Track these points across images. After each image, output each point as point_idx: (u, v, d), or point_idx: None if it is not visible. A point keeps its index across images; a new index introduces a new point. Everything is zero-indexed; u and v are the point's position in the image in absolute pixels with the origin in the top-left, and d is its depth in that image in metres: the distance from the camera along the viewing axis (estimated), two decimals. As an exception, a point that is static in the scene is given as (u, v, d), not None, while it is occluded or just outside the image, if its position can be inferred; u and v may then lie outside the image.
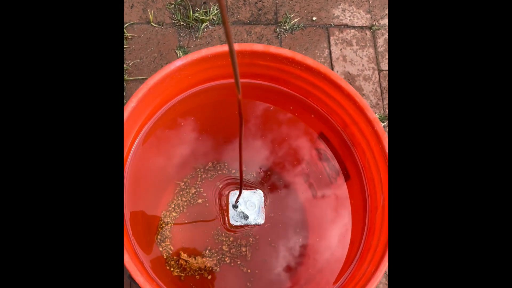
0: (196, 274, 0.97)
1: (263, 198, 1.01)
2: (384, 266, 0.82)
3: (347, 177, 1.03)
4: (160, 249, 0.99)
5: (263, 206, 1.01)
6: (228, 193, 1.02)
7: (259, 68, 0.96)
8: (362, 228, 0.96)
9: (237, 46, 0.89)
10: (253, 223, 0.99)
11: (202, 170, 1.06)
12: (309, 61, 0.89)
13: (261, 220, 0.99)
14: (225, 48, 0.88)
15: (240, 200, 0.97)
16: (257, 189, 1.02)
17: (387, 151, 0.88)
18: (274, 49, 0.89)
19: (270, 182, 1.06)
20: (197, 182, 1.05)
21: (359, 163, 1.01)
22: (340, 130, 1.02)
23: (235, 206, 0.98)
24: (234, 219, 0.99)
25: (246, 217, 0.98)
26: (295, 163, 1.07)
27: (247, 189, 1.02)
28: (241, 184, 0.87)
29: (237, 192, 0.95)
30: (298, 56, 0.89)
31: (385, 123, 1.33)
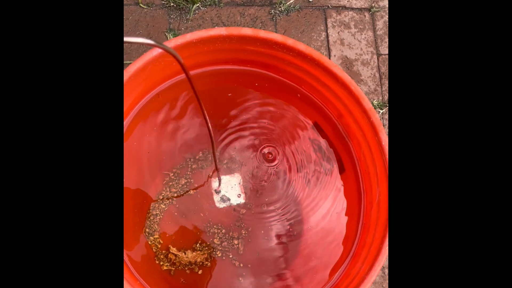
0: (187, 268, 0.94)
1: (241, 180, 1.05)
2: (379, 266, 0.78)
3: (341, 170, 0.99)
4: (149, 242, 0.96)
5: (242, 187, 1.04)
6: (209, 179, 1.04)
7: (249, 53, 0.91)
8: (356, 223, 0.92)
9: (224, 30, 0.83)
10: (235, 204, 1.03)
11: (192, 160, 1.02)
12: (301, 46, 0.84)
13: (242, 200, 1.03)
14: (211, 32, 0.82)
15: (222, 185, 1.04)
16: (235, 173, 1.05)
17: (383, 144, 0.83)
18: (264, 33, 0.84)
19: (263, 173, 1.02)
20: (187, 173, 1.01)
21: (354, 155, 0.96)
22: (335, 120, 0.97)
23: (217, 192, 1.03)
24: (219, 203, 1.03)
25: (228, 199, 1.02)
26: (288, 153, 1.02)
27: (226, 175, 1.06)
28: (218, 174, 1.01)
29: (217, 179, 1.04)
30: (290, 41, 0.83)
31: (384, 110, 1.28)
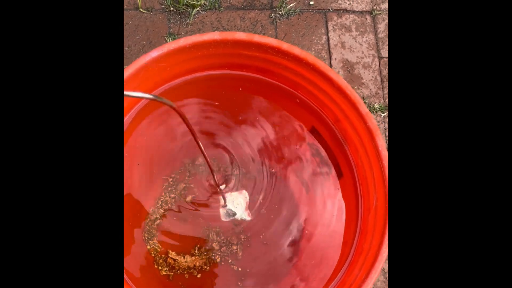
0: (185, 273, 0.94)
1: (248, 197, 1.03)
2: (376, 273, 0.77)
3: (339, 175, 0.97)
4: (148, 247, 0.96)
5: (248, 205, 1.03)
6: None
7: (244, 58, 0.90)
8: (354, 229, 0.90)
9: (218, 35, 0.82)
10: (239, 219, 1.01)
11: (191, 164, 1.02)
12: (296, 50, 0.83)
13: (246, 217, 1.02)
14: (204, 37, 0.82)
15: (228, 199, 1.03)
16: (243, 190, 1.03)
17: (380, 149, 0.82)
18: (258, 37, 0.83)
19: (261, 178, 1.02)
20: (186, 177, 1.01)
21: (351, 160, 0.95)
22: (332, 125, 0.96)
23: (223, 206, 1.03)
24: (225, 217, 1.02)
25: (234, 214, 1.01)
26: (286, 158, 1.01)
27: (234, 191, 1.04)
28: (222, 192, 1.02)
29: (225, 194, 1.04)
30: (285, 45, 0.83)
31: (386, 113, 1.27)
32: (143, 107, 0.95)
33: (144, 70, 0.81)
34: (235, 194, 1.05)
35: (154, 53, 0.80)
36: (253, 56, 0.89)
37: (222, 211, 1.03)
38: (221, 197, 1.05)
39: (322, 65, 0.83)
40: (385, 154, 0.81)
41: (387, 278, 1.17)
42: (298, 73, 0.90)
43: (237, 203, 1.04)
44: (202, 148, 0.75)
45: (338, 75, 0.84)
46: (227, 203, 1.04)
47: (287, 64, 0.88)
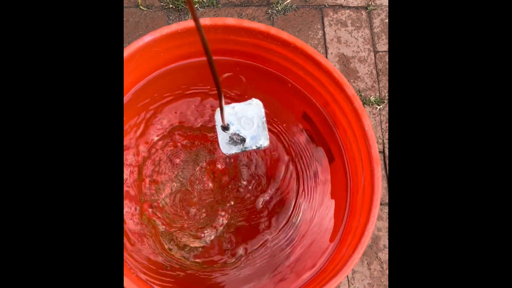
0: (181, 262, 0.96)
1: (263, 110, 0.71)
2: (362, 248, 0.79)
3: (331, 159, 0.99)
4: (147, 235, 0.97)
5: (265, 121, 0.71)
6: (214, 111, 0.75)
7: (234, 44, 0.92)
8: (343, 210, 0.92)
9: (208, 21, 0.85)
10: (254, 147, 0.71)
11: (190, 160, 1.04)
12: (284, 35, 0.85)
13: (264, 142, 0.71)
14: (196, 22, 0.84)
15: (231, 117, 0.69)
16: (253, 99, 0.72)
17: (366, 129, 0.83)
18: (247, 23, 0.86)
19: (254, 166, 1.03)
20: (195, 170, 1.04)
21: (341, 143, 0.96)
22: (322, 109, 0.98)
23: (225, 128, 0.69)
24: (228, 146, 0.70)
25: (243, 140, 0.70)
26: (280, 146, 1.03)
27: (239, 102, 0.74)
28: (219, 93, 0.57)
29: (225, 108, 0.66)
30: (273, 30, 0.85)
31: (381, 106, 1.28)
32: (139, 88, 0.97)
33: (138, 54, 0.84)
34: (240, 106, 0.70)
35: (147, 38, 0.83)
36: (244, 42, 0.91)
37: (222, 136, 0.70)
38: (217, 114, 0.69)
39: (310, 49, 0.86)
40: (371, 134, 0.83)
41: (384, 268, 1.18)
42: (287, 58, 0.92)
43: (245, 122, 0.70)
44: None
45: (325, 59, 0.86)
46: (229, 123, 0.68)
47: (277, 49, 0.90)
